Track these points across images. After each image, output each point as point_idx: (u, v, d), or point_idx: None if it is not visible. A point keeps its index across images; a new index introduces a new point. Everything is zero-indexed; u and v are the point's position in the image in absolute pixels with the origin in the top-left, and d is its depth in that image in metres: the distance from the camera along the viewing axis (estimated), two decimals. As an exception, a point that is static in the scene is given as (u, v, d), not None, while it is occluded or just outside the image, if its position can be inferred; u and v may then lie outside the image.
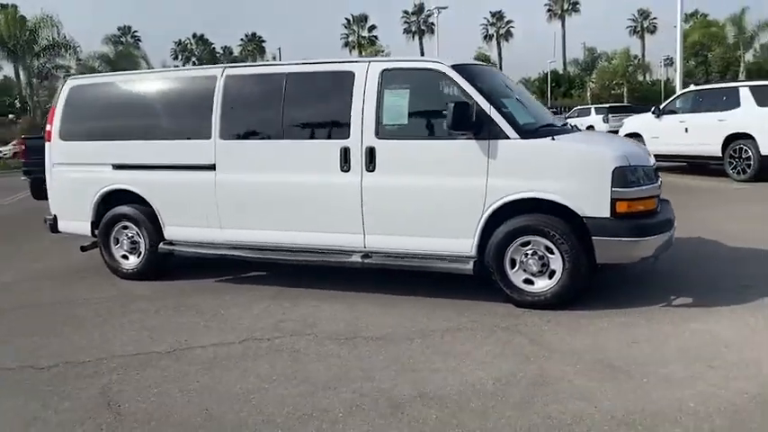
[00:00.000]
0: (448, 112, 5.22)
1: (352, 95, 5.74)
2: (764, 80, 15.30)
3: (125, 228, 6.82)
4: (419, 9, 79.82)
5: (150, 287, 6.52)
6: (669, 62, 57.47)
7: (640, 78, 64.78)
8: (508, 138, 5.28)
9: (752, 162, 13.10)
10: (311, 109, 6.14)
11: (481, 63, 6.31)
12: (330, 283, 6.29)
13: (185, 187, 6.45)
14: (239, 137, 6.26)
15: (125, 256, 6.89)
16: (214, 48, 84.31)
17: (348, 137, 5.74)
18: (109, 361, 4.56)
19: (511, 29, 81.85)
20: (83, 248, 7.18)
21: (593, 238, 5.12)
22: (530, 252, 5.33)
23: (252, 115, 6.35)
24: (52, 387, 4.14)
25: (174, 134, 6.52)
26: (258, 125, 6.30)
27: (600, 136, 7.34)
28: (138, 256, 6.82)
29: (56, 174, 7.10)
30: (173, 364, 4.46)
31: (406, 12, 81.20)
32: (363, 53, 78.68)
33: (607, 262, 5.29)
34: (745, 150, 13.20)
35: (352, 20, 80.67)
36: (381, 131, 5.66)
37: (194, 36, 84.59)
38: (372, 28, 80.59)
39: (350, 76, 5.80)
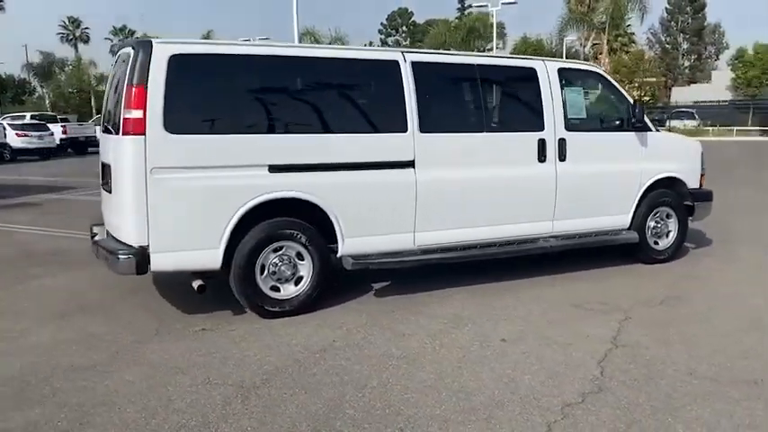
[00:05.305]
0: (637, 109, 6.36)
1: (540, 90, 6.10)
2: None
3: (277, 250, 5.13)
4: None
5: (334, 318, 5.19)
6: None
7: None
8: (651, 130, 6.72)
9: None
10: (505, 100, 6.16)
11: None
12: (459, 277, 6.35)
13: (374, 189, 5.43)
14: (441, 130, 5.67)
15: (275, 288, 5.16)
16: None
17: (543, 129, 6.10)
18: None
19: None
20: (201, 289, 4.92)
21: (696, 203, 7.08)
22: (658, 219, 6.89)
23: (450, 106, 5.86)
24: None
25: (350, 126, 5.40)
26: (459, 116, 5.90)
27: None
28: (297, 284, 5.23)
29: (158, 183, 4.67)
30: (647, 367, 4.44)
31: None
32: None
33: (699, 220, 7.31)
34: None
35: None
36: (568, 124, 6.25)
37: None
38: None
39: (533, 71, 6.12)
